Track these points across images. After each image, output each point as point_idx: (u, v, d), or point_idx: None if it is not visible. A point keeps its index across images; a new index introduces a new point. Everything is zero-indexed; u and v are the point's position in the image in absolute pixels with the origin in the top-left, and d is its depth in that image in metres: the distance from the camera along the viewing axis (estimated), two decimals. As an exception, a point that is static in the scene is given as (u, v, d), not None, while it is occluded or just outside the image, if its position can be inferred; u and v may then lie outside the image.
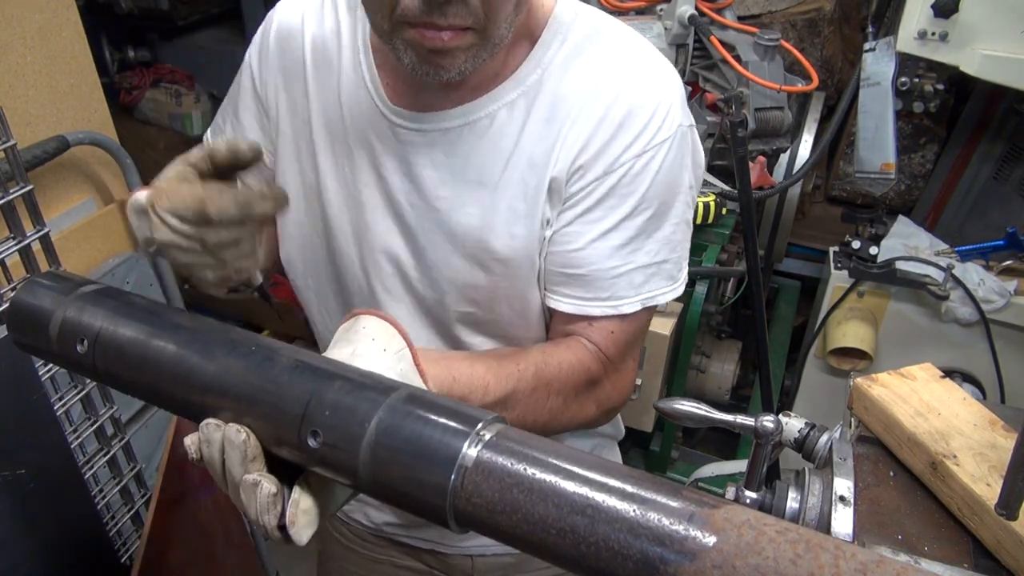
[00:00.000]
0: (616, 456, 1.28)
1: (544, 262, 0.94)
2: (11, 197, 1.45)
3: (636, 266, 0.91)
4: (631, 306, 0.93)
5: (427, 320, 1.00)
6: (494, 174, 0.90)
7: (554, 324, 0.99)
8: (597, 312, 0.92)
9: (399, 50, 0.80)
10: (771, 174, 2.22)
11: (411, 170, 0.92)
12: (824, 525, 0.69)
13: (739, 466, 1.28)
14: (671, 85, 0.90)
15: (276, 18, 1.00)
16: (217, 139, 1.06)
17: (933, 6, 1.84)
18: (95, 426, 1.62)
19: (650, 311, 0.96)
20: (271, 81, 1.00)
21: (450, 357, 0.86)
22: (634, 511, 0.49)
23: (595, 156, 0.88)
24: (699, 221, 2.05)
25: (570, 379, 0.91)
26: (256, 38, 1.03)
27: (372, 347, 0.70)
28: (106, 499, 1.65)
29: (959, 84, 2.51)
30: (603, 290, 0.92)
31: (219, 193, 0.73)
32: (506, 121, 0.89)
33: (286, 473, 0.62)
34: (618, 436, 1.25)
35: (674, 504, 0.49)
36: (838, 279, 2.29)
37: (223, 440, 0.61)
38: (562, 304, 0.94)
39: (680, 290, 0.97)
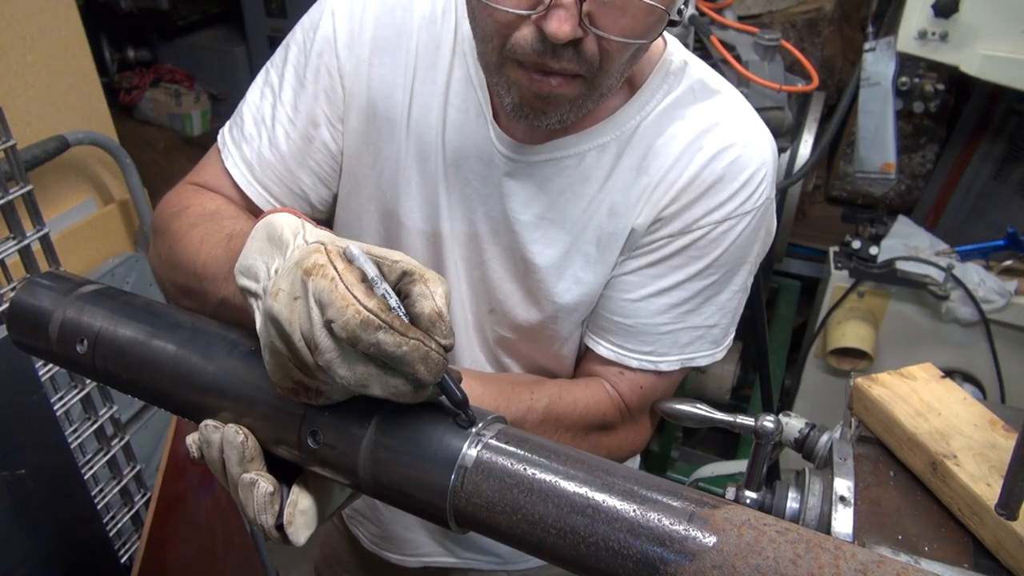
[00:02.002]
0: None
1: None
2: (11, 197, 1.45)
3: (686, 327, 0.89)
4: (669, 365, 0.90)
5: (473, 322, 0.97)
6: (572, 216, 0.87)
7: (585, 361, 0.96)
8: (634, 364, 0.90)
9: (501, 87, 0.76)
10: (771, 174, 2.22)
11: (497, 191, 0.88)
12: (824, 525, 0.69)
13: (739, 466, 1.28)
14: (768, 156, 0.86)
15: None
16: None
17: (933, 6, 1.84)
18: (95, 426, 1.61)
19: (685, 371, 0.93)
20: (360, 51, 0.89)
21: (465, 374, 0.85)
22: (634, 511, 0.49)
23: (677, 212, 0.85)
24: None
25: (582, 419, 0.89)
26: (342, 6, 0.89)
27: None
28: (106, 499, 1.65)
29: (959, 84, 2.51)
30: (646, 344, 0.89)
31: None
32: (594, 164, 0.86)
33: (286, 473, 0.62)
34: None
35: (674, 504, 0.49)
36: (838, 279, 2.29)
37: (222, 441, 0.61)
38: (600, 348, 0.92)
39: (720, 355, 0.93)
